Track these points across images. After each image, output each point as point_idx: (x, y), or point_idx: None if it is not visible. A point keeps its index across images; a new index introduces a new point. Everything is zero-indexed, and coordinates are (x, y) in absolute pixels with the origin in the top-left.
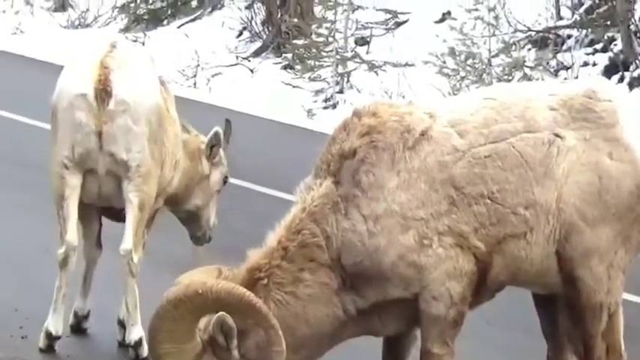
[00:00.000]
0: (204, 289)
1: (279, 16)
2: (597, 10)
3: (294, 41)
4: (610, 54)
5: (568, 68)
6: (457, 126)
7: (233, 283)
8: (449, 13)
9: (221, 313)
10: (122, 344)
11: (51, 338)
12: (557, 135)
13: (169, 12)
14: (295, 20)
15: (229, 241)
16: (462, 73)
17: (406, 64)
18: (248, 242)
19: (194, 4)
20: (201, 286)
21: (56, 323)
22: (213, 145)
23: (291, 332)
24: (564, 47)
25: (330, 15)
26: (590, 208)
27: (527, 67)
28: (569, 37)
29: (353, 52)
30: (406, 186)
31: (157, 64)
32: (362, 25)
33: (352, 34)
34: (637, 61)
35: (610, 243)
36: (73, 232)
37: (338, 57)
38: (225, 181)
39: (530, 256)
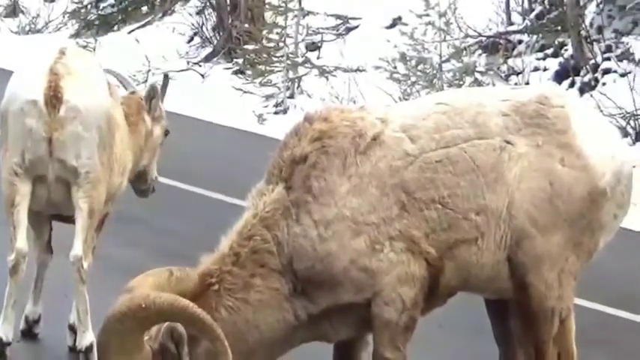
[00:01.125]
0: (146, 302)
1: (229, 21)
2: (548, 16)
3: (245, 46)
4: (561, 59)
5: (519, 73)
6: (409, 131)
7: (183, 286)
8: (400, 18)
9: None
10: (73, 350)
11: (1, 344)
12: (508, 142)
13: (120, 17)
14: (246, 25)
15: (178, 246)
16: (413, 79)
17: (357, 70)
18: (198, 248)
19: (145, 9)
20: (143, 299)
21: (6, 330)
22: (152, 98)
23: (242, 338)
24: (515, 52)
25: (280, 20)
26: (542, 214)
27: (478, 72)
28: (519, 42)
29: (304, 58)
30: (357, 191)
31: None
32: (313, 30)
33: (303, 40)
34: (587, 67)
35: (561, 249)
36: (23, 240)
37: (289, 62)
38: (166, 134)
39: (481, 261)
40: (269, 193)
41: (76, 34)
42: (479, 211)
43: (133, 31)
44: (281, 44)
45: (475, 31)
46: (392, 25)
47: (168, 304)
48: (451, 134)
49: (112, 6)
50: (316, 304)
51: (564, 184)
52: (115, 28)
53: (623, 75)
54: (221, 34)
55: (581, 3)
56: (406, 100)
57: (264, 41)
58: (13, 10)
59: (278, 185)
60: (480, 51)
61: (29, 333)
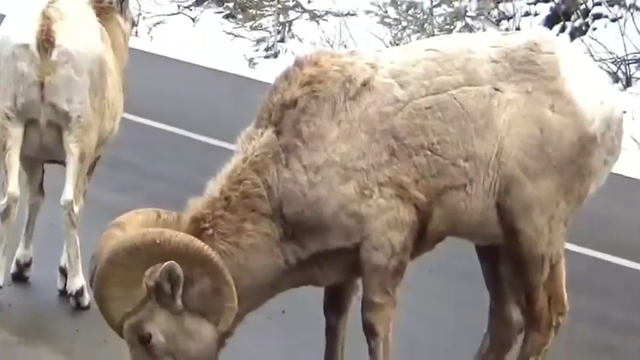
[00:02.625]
0: (161, 239)
1: None
2: None
3: None
4: (551, 4)
5: (509, 18)
6: (398, 77)
7: (171, 229)
8: None
9: (171, 262)
10: (63, 293)
11: None
12: (497, 88)
13: None
14: None
15: (169, 190)
16: (404, 23)
17: (348, 14)
18: (188, 192)
19: None
20: (159, 235)
21: None
22: (122, 1)
23: (234, 283)
24: None
25: None
26: (531, 160)
27: (468, 16)
28: None
29: (294, 2)
30: (347, 136)
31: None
32: None
33: None
34: (578, 12)
35: (551, 195)
36: (14, 184)
37: (279, 6)
38: (132, 25)
39: (470, 207)
40: (258, 137)
41: None
42: (467, 157)
43: None
44: None
45: None
46: None
47: (184, 245)
48: (440, 81)
49: None
50: (306, 249)
51: (554, 131)
52: None
53: (614, 20)
54: None
55: None
56: (397, 44)
57: None
58: None
59: (267, 129)
60: None
61: (20, 276)
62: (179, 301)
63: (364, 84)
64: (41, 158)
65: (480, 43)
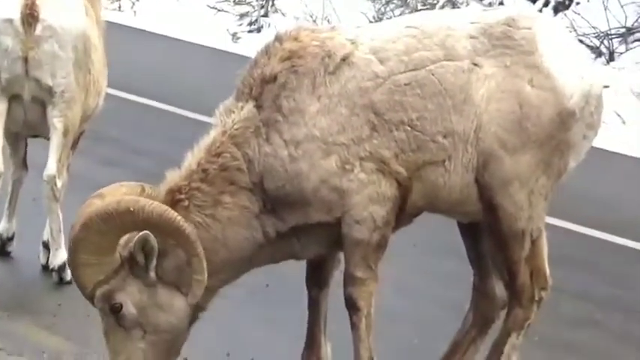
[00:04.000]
0: (136, 207)
1: None
2: None
3: None
4: None
5: None
6: (378, 53)
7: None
8: None
9: (145, 232)
10: (46, 268)
11: None
12: (475, 64)
13: None
14: None
15: (153, 165)
16: None
17: None
18: (172, 166)
19: None
20: (133, 203)
21: None
22: None
23: (210, 256)
24: None
25: None
26: (510, 136)
27: None
28: None
29: None
30: (327, 111)
31: None
32: None
33: None
34: None
35: (531, 170)
36: None
37: None
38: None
39: (449, 183)
40: (238, 110)
41: None
42: (446, 133)
43: None
44: None
45: None
46: None
47: (157, 214)
48: (420, 56)
49: None
50: (285, 222)
51: (533, 106)
52: None
53: None
54: None
55: None
56: (380, 19)
57: None
58: None
59: (248, 103)
60: None
61: (3, 250)
62: (152, 273)
63: (344, 59)
64: (25, 133)
65: (459, 20)
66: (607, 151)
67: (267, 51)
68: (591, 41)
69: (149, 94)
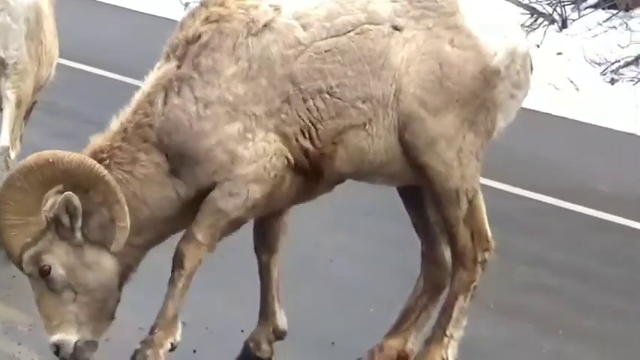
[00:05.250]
0: (55, 158)
1: None
2: None
3: None
4: None
5: None
6: (301, 19)
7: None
8: None
9: (68, 192)
10: None
11: None
12: (396, 27)
13: None
14: None
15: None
16: None
17: None
18: None
19: None
20: (52, 155)
21: None
22: None
23: (133, 214)
24: None
25: None
26: (432, 96)
27: None
28: None
29: None
30: (244, 77)
31: None
32: None
33: None
34: None
35: (456, 129)
36: None
37: None
38: None
39: (373, 147)
40: (158, 70)
41: None
42: (365, 99)
43: None
44: None
45: None
46: None
47: (76, 163)
48: (342, 22)
49: None
50: (187, 184)
51: (453, 65)
52: None
53: None
54: None
55: None
56: None
57: None
58: None
59: (170, 63)
60: None
61: None
62: (78, 233)
63: (266, 25)
64: None
65: None
66: (561, 117)
67: (193, 14)
68: (544, 8)
69: (101, 65)
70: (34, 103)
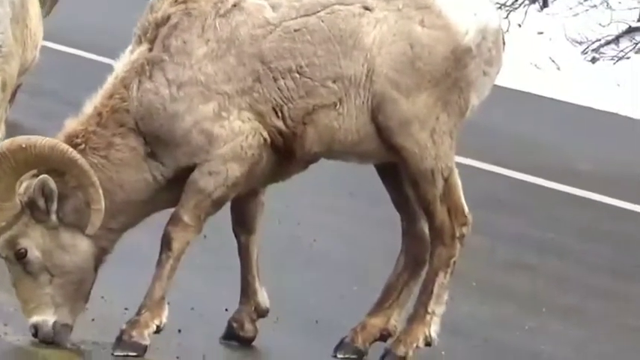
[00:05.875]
0: (27, 143)
1: None
2: None
3: None
4: None
5: None
6: None
7: None
8: None
9: (43, 175)
10: None
11: None
12: (367, 7)
13: None
14: None
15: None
16: None
17: None
18: None
19: None
20: (24, 140)
21: None
22: None
23: (108, 197)
24: None
25: None
26: (403, 77)
27: None
28: None
29: None
30: (214, 57)
31: None
32: None
33: None
34: None
35: (429, 109)
36: None
37: None
38: None
39: (344, 126)
40: (131, 54)
41: None
42: (335, 78)
43: None
44: None
45: None
46: None
47: (49, 147)
48: (311, 1)
49: None
50: (165, 165)
51: (424, 45)
52: None
53: None
54: None
55: None
56: None
57: None
58: None
59: (142, 46)
60: None
61: None
62: (54, 216)
63: (235, 5)
64: None
65: None
66: (542, 96)
67: None
68: None
69: (87, 47)
70: (19, 85)
